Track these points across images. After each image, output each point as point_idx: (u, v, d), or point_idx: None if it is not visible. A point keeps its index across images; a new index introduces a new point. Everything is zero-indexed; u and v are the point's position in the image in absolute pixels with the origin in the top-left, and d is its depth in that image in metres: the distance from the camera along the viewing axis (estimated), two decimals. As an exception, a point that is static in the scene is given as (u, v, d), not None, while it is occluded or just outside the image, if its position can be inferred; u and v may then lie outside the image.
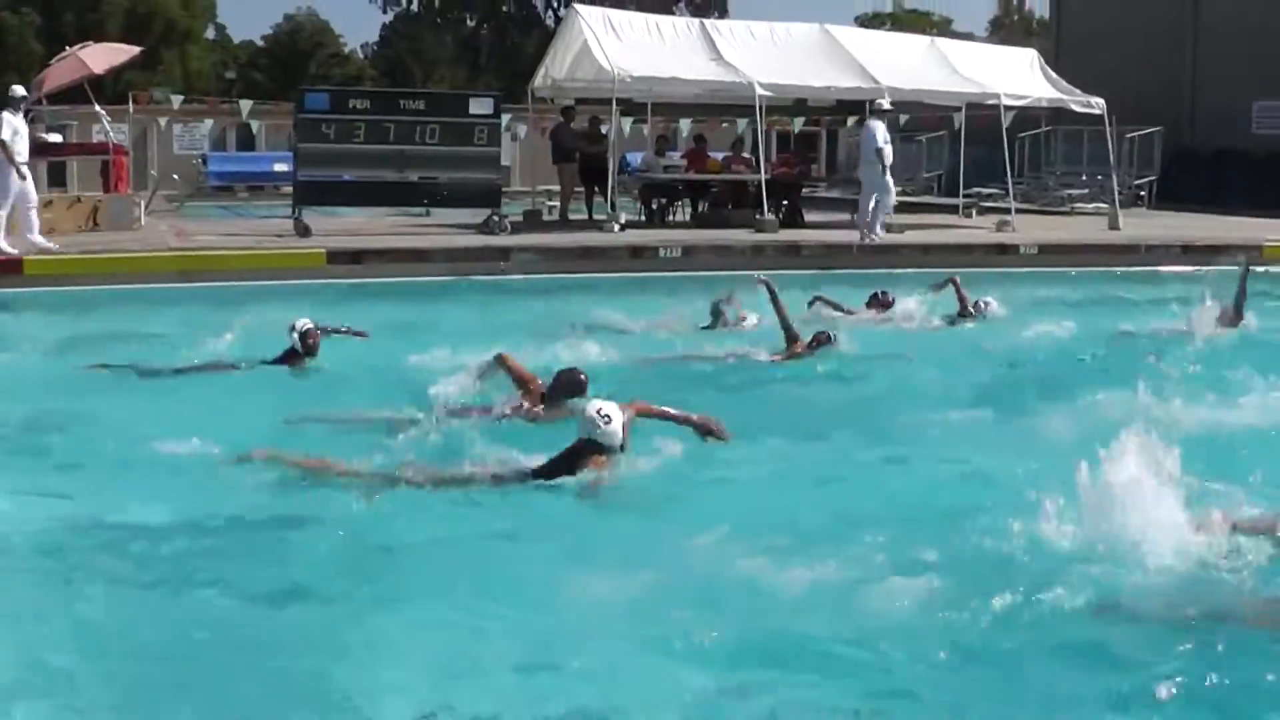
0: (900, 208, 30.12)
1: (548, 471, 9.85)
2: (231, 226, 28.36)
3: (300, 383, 14.07)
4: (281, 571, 8.34)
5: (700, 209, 30.76)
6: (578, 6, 29.49)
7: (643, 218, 30.26)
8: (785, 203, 29.80)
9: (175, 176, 36.95)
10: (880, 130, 27.06)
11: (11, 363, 15.68)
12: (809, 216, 30.36)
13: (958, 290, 18.15)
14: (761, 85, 27.89)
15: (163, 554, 8.63)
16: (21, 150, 23.04)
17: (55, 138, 32.83)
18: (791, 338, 15.40)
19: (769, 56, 29.01)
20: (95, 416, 12.24)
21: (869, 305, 17.99)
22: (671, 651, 6.98)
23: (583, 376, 11.84)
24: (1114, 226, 29.69)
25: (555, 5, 79.72)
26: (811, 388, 14.18)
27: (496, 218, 26.19)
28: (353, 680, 6.75)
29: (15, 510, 9.41)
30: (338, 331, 15.43)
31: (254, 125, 45.34)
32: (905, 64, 30.19)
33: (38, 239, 22.86)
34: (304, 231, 25.18)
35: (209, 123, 46.40)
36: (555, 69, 29.46)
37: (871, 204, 26.79)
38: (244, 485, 9.95)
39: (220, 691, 6.76)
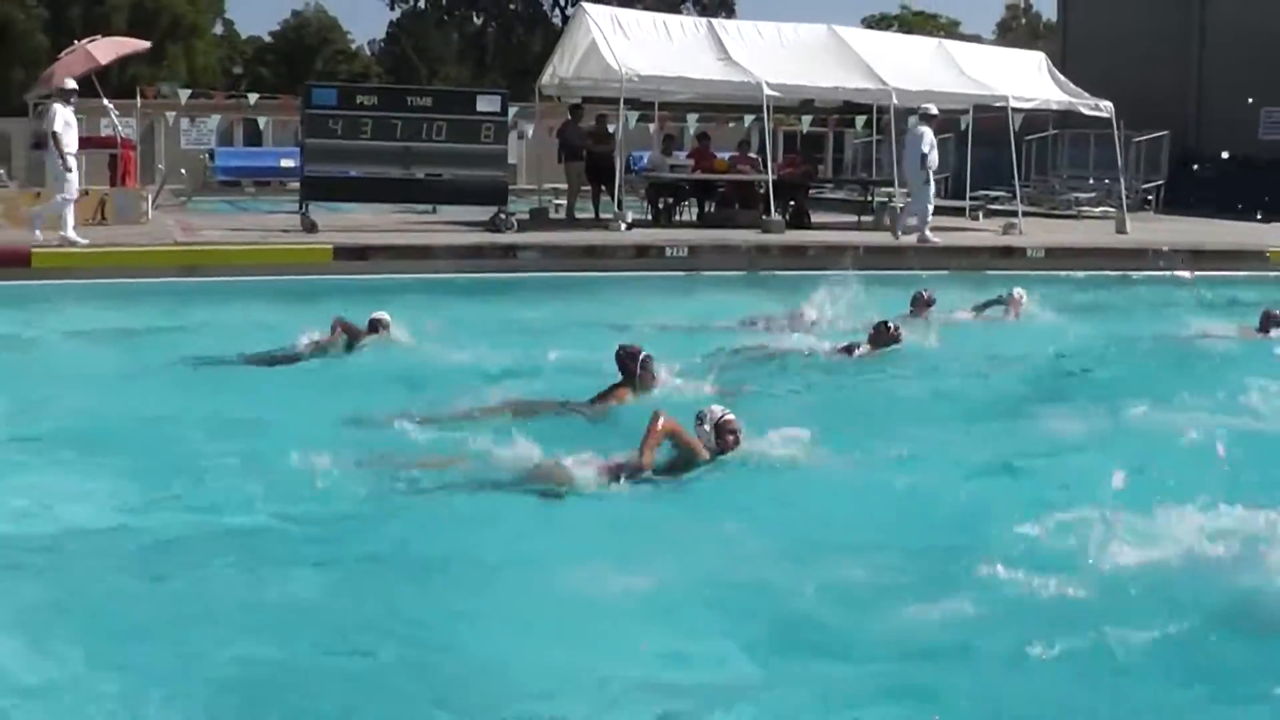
0: (906, 209, 30.07)
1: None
2: (238, 221, 28.33)
3: (367, 375, 14.10)
4: (376, 563, 8.42)
5: (706, 209, 30.71)
6: (585, 5, 29.45)
7: (649, 217, 30.22)
8: (792, 203, 29.77)
9: (182, 171, 36.94)
10: (927, 135, 27.17)
11: (75, 353, 15.91)
12: (815, 218, 30.32)
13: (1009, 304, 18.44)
14: (769, 85, 27.87)
15: (255, 545, 8.72)
16: (71, 142, 23.24)
17: (62, 131, 32.78)
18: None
19: (776, 56, 28.96)
20: (174, 409, 12.30)
21: (913, 305, 17.97)
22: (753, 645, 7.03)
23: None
24: (1121, 230, 29.65)
25: (561, 3, 79.72)
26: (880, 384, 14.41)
27: (503, 215, 26.18)
28: (464, 676, 6.81)
29: (98, 505, 9.46)
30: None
31: (261, 120, 45.39)
32: (913, 65, 30.16)
33: (70, 233, 22.93)
34: (310, 227, 25.19)
35: (216, 117, 46.48)
36: (562, 67, 29.45)
37: (913, 209, 26.93)
38: (331, 479, 9.90)
39: (321, 689, 6.77)
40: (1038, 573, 7.72)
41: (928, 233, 26.68)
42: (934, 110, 27.98)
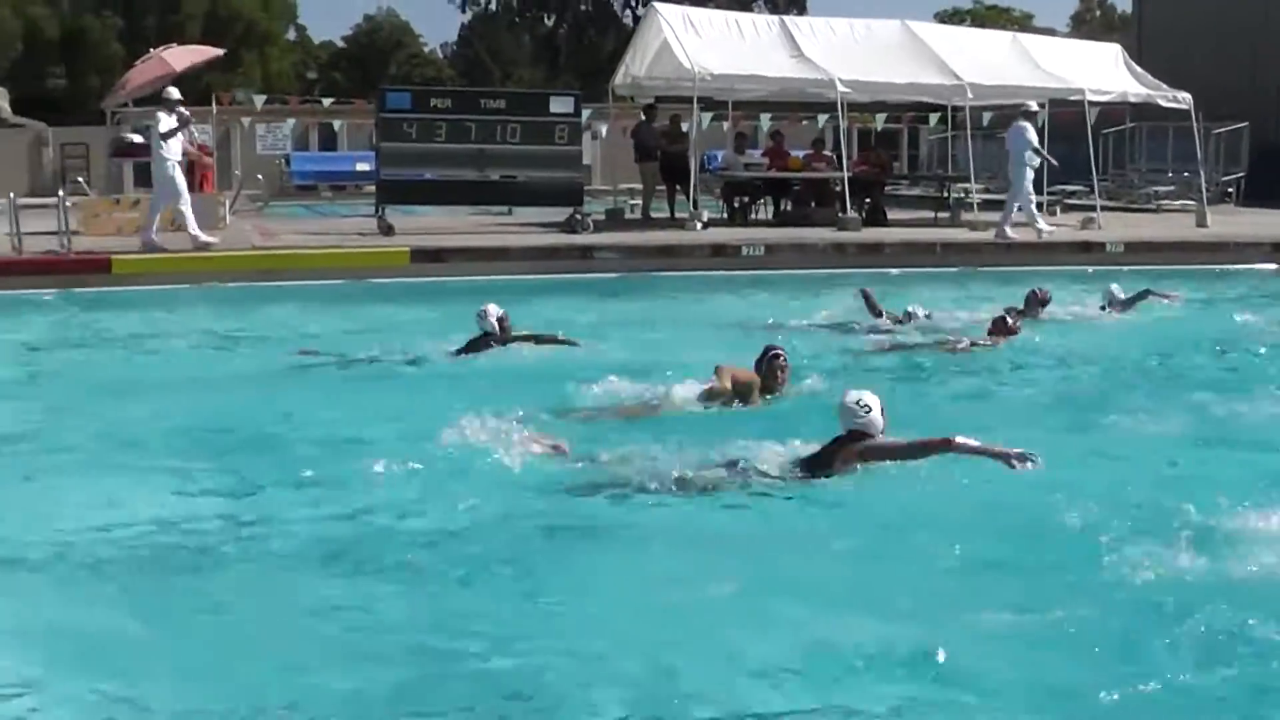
0: (983, 205, 29.93)
1: (808, 465, 9.79)
2: (315, 225, 28.48)
3: (491, 371, 14.14)
4: (521, 566, 8.37)
5: (783, 207, 30.63)
6: (657, 4, 29.45)
7: (725, 216, 30.17)
8: (867, 200, 29.67)
9: (259, 176, 37.14)
10: (1029, 131, 27.02)
11: (163, 357, 16.11)
12: (891, 215, 30.19)
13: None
14: (842, 82, 27.77)
15: (404, 544, 8.74)
16: (175, 150, 23.51)
17: (140, 139, 33.00)
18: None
19: (850, 53, 28.86)
20: (302, 410, 12.41)
21: (1027, 304, 17.84)
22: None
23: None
24: (1202, 224, 29.34)
25: (633, 4, 79.65)
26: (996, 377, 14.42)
27: (579, 216, 26.20)
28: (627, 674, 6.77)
29: (209, 509, 9.51)
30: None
31: (336, 124, 45.61)
32: (987, 60, 29.96)
33: (153, 236, 23.21)
34: (387, 230, 25.29)
35: (291, 122, 46.74)
36: (635, 67, 29.42)
37: (1016, 204, 26.84)
38: (447, 482, 9.88)
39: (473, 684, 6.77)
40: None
41: (1008, 229, 26.48)
42: (1034, 106, 27.91)
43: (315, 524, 9.11)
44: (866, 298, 17.64)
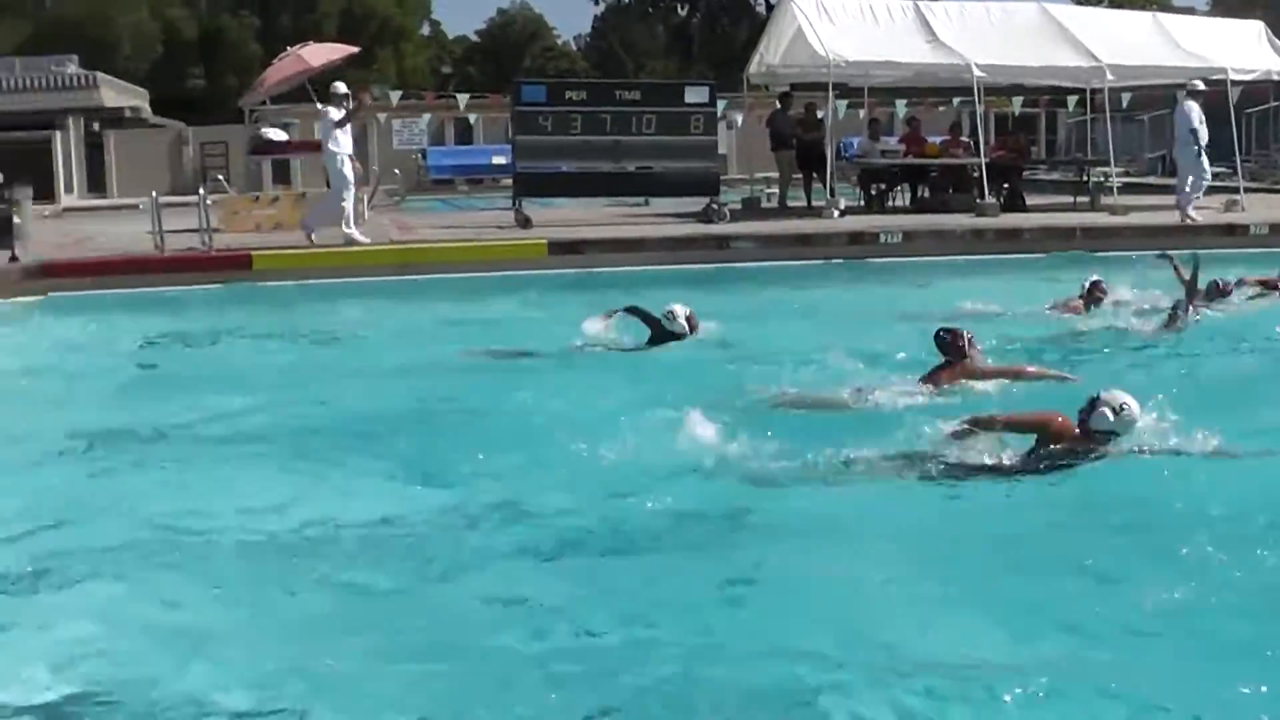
0: (1123, 189, 29.56)
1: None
2: (452, 219, 28.62)
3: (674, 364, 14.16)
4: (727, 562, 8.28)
5: (920, 194, 30.40)
6: (791, -8, 29.34)
7: (861, 203, 30.01)
8: (1005, 186, 29.38)
9: (395, 171, 37.39)
10: (1195, 111, 26.63)
11: (385, 350, 16.18)
12: (1030, 200, 29.87)
13: None
14: (979, 66, 27.52)
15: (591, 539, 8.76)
16: (345, 143, 23.83)
17: (278, 136, 33.33)
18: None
19: (986, 36, 28.54)
20: (485, 402, 12.53)
21: (1207, 294, 17.58)
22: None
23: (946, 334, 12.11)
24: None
25: (766, -8, 79.59)
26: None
27: (715, 206, 26.15)
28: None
29: (391, 502, 9.57)
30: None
31: (471, 119, 45.83)
32: (1127, 41, 29.50)
33: (353, 231, 23.67)
34: (525, 223, 25.38)
35: (427, 117, 47.04)
36: (769, 55, 29.31)
37: (1187, 185, 26.44)
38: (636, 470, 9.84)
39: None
40: None
41: (1191, 211, 26.13)
42: (1200, 85, 27.40)
43: (509, 517, 9.13)
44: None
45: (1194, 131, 26.32)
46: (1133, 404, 9.54)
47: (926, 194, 30.10)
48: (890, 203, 30.32)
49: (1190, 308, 15.69)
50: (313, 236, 23.53)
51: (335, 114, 23.86)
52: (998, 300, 17.52)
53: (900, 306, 18.04)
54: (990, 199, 27.16)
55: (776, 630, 7.13)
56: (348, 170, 23.78)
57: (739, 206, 28.49)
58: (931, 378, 11.86)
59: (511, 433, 11.08)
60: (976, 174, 28.12)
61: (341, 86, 24.89)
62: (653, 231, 25.22)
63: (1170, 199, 26.95)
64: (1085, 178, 32.09)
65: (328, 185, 24.23)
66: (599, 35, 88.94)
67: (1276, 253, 22.81)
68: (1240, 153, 31.32)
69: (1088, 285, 16.92)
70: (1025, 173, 32.61)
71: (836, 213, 26.55)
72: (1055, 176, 36.50)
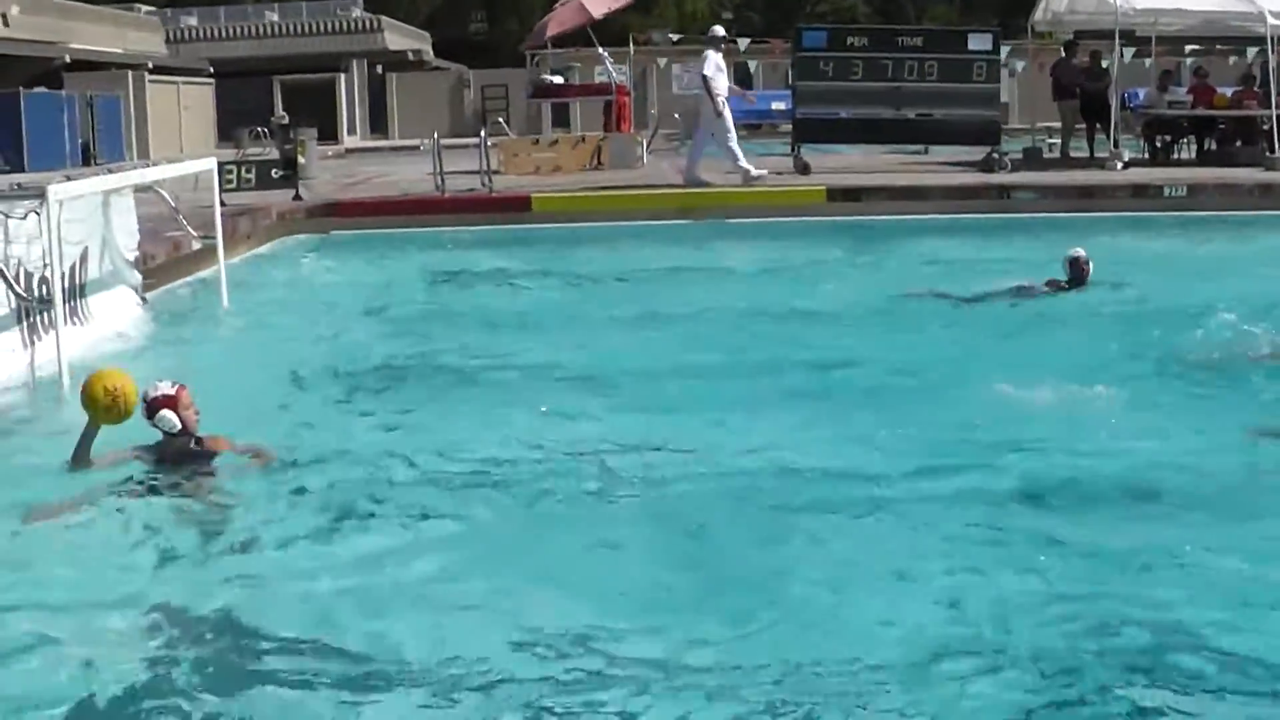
0: None
1: None
2: (731, 165, 28.74)
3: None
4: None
5: (1206, 146, 29.71)
6: (1079, -63, 28.86)
7: (1145, 155, 29.44)
8: (1297, 139, 28.60)
9: (676, 115, 37.57)
10: None
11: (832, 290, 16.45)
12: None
13: None
14: (1273, 14, 26.76)
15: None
16: (722, 86, 24.43)
17: (559, 80, 33.76)
18: None
19: (1282, -17, 27.77)
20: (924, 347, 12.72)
21: None
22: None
23: None
24: None
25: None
26: None
27: (996, 155, 25.90)
28: None
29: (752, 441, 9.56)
30: None
31: (751, 65, 45.84)
32: None
33: (748, 165, 24.32)
34: (804, 169, 25.42)
35: (706, 61, 47.12)
36: (1056, 2, 28.89)
37: None
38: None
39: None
40: None
41: None
42: None
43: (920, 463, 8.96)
44: None
45: None
46: None
47: (1213, 146, 29.42)
48: (1175, 155, 29.68)
49: None
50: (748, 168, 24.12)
51: (714, 57, 24.15)
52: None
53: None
54: (1280, 153, 26.48)
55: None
56: (727, 114, 24.28)
57: (1020, 156, 28.12)
58: None
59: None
60: (1267, 126, 27.38)
61: (719, 30, 25.33)
62: (933, 180, 25.09)
63: None
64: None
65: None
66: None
67: None
68: None
69: None
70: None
71: (1120, 165, 26.12)
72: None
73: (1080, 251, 15.06)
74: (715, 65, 24.17)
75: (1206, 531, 7.53)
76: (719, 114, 24.07)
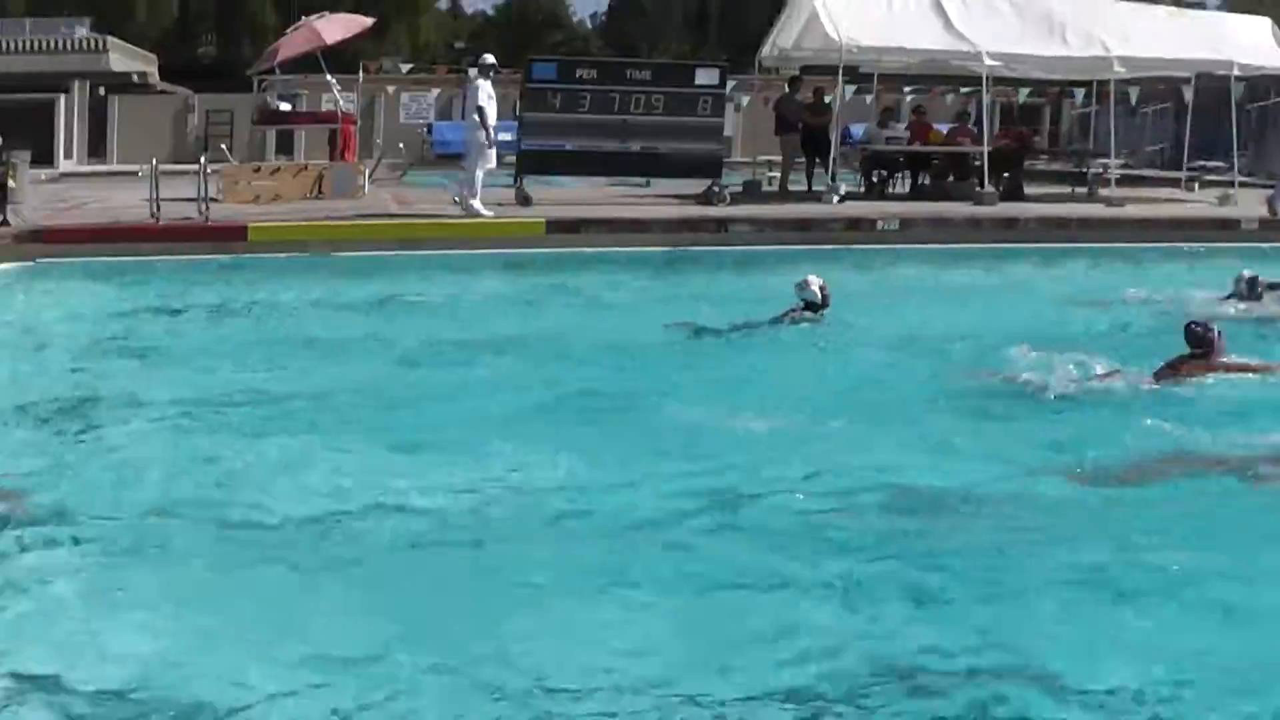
0: (1121, 181, 29.66)
1: None
2: (459, 192, 28.75)
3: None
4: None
5: (920, 181, 30.42)
6: (811, -25, 29.41)
7: (862, 189, 30.01)
8: (1006, 175, 29.41)
9: (400, 145, 37.37)
10: None
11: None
12: (1032, 190, 29.91)
13: None
14: (990, 55, 27.52)
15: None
16: (493, 116, 24.36)
17: (285, 106, 33.43)
18: None
19: (999, 25, 28.43)
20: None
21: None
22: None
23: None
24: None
25: (785, -25, 79.41)
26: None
27: (716, 188, 26.21)
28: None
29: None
30: None
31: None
32: (1136, 34, 29.44)
33: (478, 204, 24.08)
34: (525, 200, 25.48)
35: (436, 92, 46.95)
36: (783, 39, 29.23)
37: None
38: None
39: None
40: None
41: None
42: None
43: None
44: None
45: None
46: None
47: (926, 182, 30.13)
48: (890, 189, 30.32)
49: None
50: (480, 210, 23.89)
51: (485, 86, 24.10)
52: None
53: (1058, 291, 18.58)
54: (990, 188, 27.18)
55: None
56: (491, 144, 24.27)
57: (740, 189, 28.50)
58: (1172, 369, 12.08)
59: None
60: (978, 163, 28.12)
61: (489, 58, 25.25)
62: (652, 212, 25.31)
63: (1166, 192, 26.99)
64: (1085, 169, 32.16)
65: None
66: (615, 15, 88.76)
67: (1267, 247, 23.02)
68: (1240, 148, 31.31)
69: (1246, 278, 16.84)
70: (1027, 163, 32.62)
71: (836, 198, 26.60)
72: (1056, 167, 36.55)
73: (815, 279, 15.23)
74: (487, 94, 24.15)
75: (944, 552, 8.02)
76: (490, 144, 24.06)
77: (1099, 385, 11.78)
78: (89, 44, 49.98)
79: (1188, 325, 12.32)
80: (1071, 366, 12.11)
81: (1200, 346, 12.08)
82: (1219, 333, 12.25)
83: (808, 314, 15.01)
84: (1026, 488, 9.30)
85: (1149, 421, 10.45)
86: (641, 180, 29.05)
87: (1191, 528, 8.45)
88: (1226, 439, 10.09)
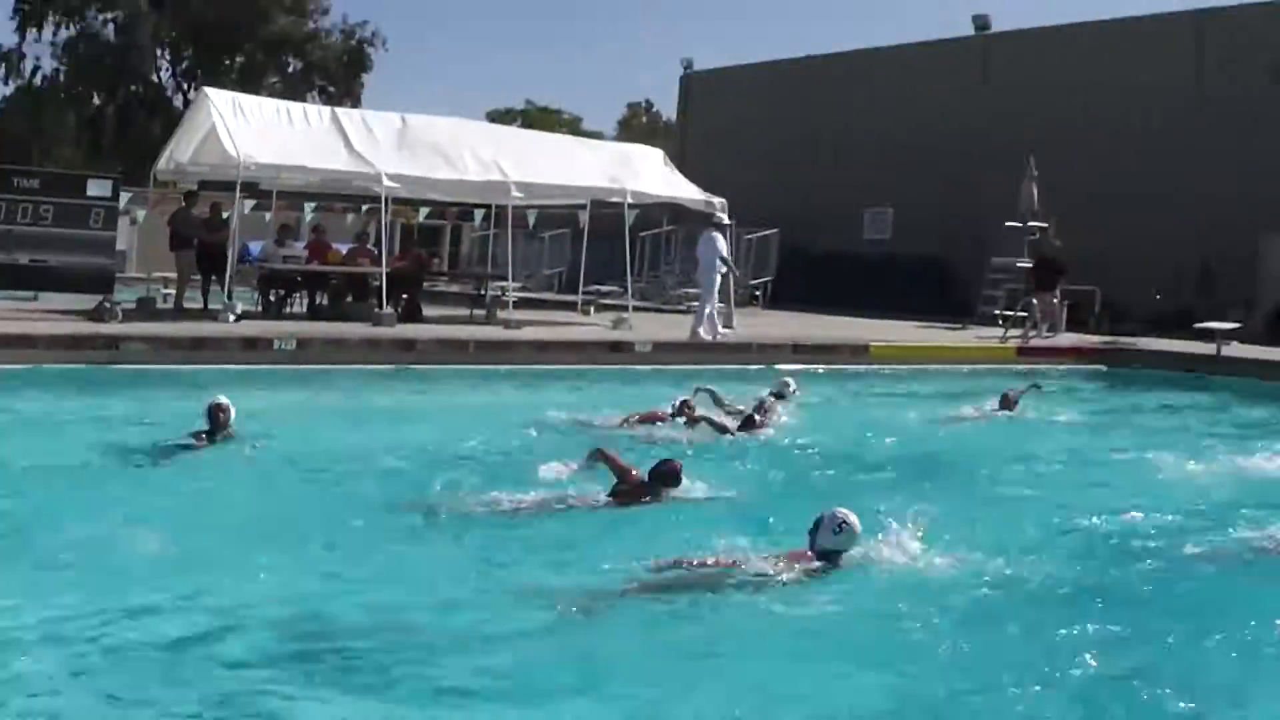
0: (520, 303, 30.31)
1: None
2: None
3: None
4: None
5: (319, 301, 30.30)
6: (207, 90, 29.06)
7: (260, 308, 29.71)
8: (405, 296, 29.67)
9: None
10: (720, 240, 28.84)
11: None
12: (432, 311, 30.25)
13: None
14: (389, 176, 27.72)
15: None
16: None
17: None
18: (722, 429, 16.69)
19: (399, 148, 28.78)
20: None
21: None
22: None
23: (679, 465, 12.58)
24: (728, 325, 30.05)
25: (185, 88, 78.66)
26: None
27: (108, 304, 25.47)
28: None
29: None
30: None
31: None
32: (534, 160, 30.25)
33: None
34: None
35: None
36: (180, 152, 28.82)
37: (708, 308, 28.30)
38: None
39: None
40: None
41: (721, 328, 28.51)
42: (725, 219, 30.29)
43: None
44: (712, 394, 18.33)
45: (722, 259, 28.78)
46: (852, 519, 10.09)
47: (325, 301, 30.03)
48: (288, 309, 30.11)
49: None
50: None
51: None
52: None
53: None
54: (388, 309, 27.30)
55: None
56: None
57: (133, 306, 27.75)
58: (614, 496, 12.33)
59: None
60: (377, 283, 28.22)
61: None
62: (41, 328, 24.36)
63: (563, 315, 27.70)
64: (483, 291, 32.76)
65: None
66: (6, 117, 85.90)
67: (661, 370, 23.89)
68: (633, 273, 32.51)
69: (678, 403, 17.44)
70: (426, 284, 33.00)
71: (232, 317, 26.20)
72: (456, 289, 37.14)
73: (223, 399, 14.87)
74: None
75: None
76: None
77: (509, 506, 11.89)
78: None
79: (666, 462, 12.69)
80: (464, 491, 12.26)
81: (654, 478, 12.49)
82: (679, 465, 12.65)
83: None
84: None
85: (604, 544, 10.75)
86: (29, 294, 28.01)
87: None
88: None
